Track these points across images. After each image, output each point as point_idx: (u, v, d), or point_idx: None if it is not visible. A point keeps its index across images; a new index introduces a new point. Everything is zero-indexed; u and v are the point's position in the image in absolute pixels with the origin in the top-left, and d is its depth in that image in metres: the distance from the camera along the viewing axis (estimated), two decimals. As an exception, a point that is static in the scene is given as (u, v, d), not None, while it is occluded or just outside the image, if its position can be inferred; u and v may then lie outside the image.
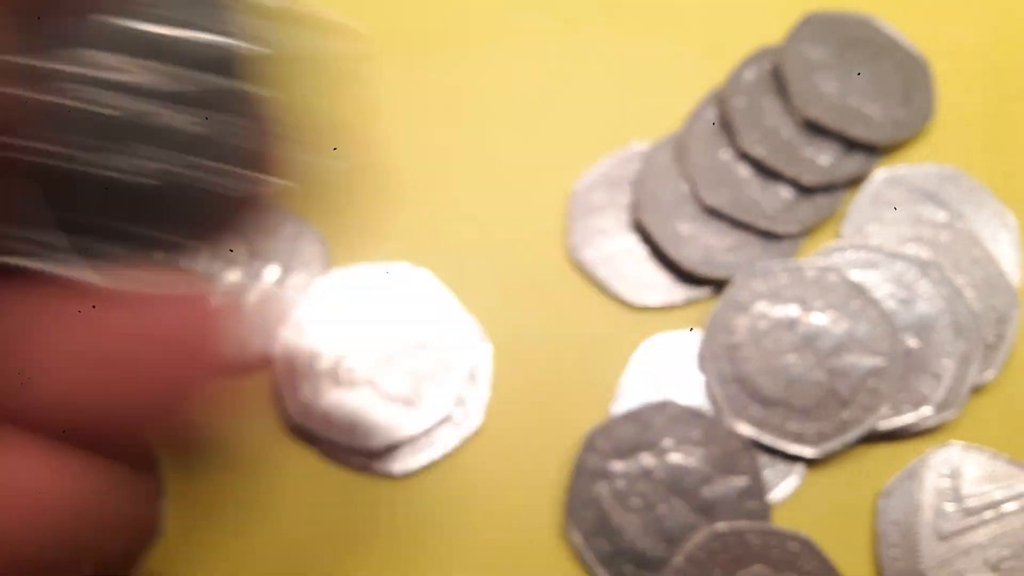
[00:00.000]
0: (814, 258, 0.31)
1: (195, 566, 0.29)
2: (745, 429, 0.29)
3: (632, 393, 0.30)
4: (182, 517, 0.29)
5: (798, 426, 0.29)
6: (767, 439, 0.28)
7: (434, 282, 0.32)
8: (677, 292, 0.32)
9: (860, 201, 0.33)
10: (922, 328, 0.30)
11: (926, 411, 0.29)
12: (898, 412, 0.29)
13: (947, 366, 0.29)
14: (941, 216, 0.32)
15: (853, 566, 0.28)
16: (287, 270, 0.32)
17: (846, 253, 0.31)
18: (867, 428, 0.28)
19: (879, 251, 0.31)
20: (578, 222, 0.33)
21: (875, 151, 0.33)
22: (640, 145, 0.34)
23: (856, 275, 0.30)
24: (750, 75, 0.34)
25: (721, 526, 0.27)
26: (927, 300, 0.30)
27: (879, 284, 0.30)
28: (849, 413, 0.28)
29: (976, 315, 0.30)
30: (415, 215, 0.33)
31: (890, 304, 0.30)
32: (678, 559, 0.27)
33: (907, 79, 0.34)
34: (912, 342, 0.30)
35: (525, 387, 0.31)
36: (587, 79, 0.35)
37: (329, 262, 0.33)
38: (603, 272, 0.32)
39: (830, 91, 0.33)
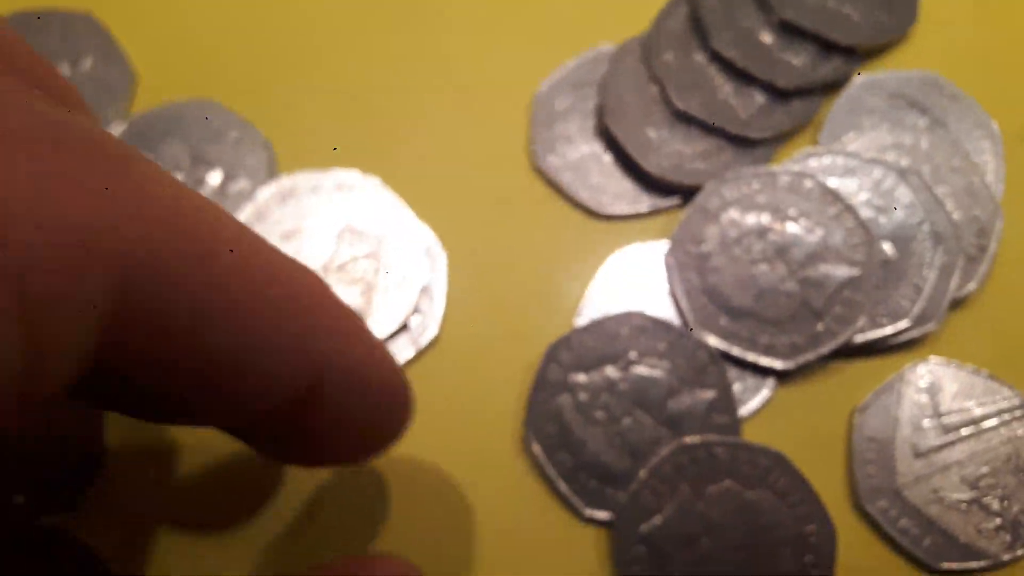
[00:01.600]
0: (788, 164, 0.29)
1: (139, 499, 0.26)
2: (714, 341, 0.26)
3: (597, 306, 0.28)
4: (125, 453, 0.27)
5: (769, 338, 0.27)
6: (736, 352, 0.26)
7: (385, 190, 0.29)
8: (644, 201, 0.30)
9: (838, 107, 0.30)
10: (900, 238, 0.28)
11: (903, 324, 0.27)
12: (875, 325, 0.27)
13: (926, 277, 0.27)
14: (922, 123, 0.30)
15: (826, 483, 0.26)
16: (230, 176, 0.30)
17: (822, 159, 0.29)
18: (842, 341, 0.26)
19: (856, 157, 0.29)
20: (541, 128, 0.30)
21: (854, 55, 0.31)
22: (607, 47, 0.32)
23: (832, 182, 0.28)
24: (723, -27, 0.32)
25: (689, 440, 0.25)
26: (906, 208, 0.28)
27: (856, 191, 0.28)
28: (823, 325, 0.26)
29: (957, 225, 0.28)
30: (366, 120, 0.31)
31: (867, 212, 0.28)
32: (643, 473, 0.25)
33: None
34: (890, 252, 0.27)
35: (485, 299, 0.28)
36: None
37: (274, 168, 0.30)
38: (567, 180, 0.30)
39: (808, -10, 0.31)
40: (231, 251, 0.15)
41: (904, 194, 0.28)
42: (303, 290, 0.17)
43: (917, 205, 0.28)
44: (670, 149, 0.30)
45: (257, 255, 0.16)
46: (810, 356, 0.26)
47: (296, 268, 0.17)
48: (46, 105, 0.13)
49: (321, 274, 0.27)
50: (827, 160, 0.29)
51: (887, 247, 0.28)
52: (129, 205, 0.13)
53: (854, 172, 0.28)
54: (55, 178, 0.12)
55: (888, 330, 0.27)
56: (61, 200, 0.12)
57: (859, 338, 0.27)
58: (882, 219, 0.28)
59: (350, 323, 0.18)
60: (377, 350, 0.19)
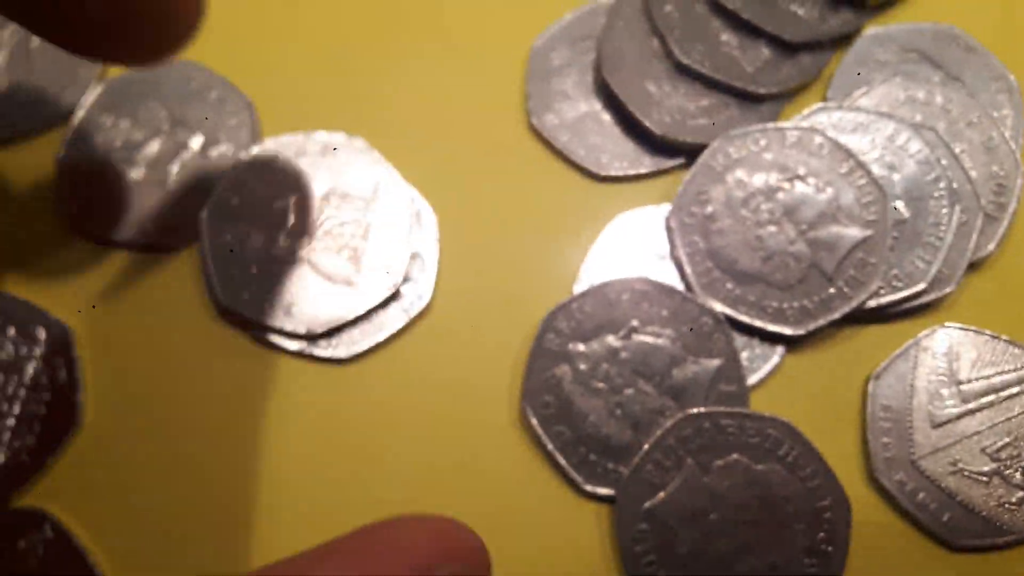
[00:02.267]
0: (796, 120, 0.27)
1: (120, 455, 0.25)
2: (719, 307, 0.25)
3: (597, 272, 0.26)
4: (106, 407, 0.25)
5: (778, 303, 0.25)
6: (743, 318, 0.25)
7: (372, 152, 0.27)
8: (645, 161, 0.28)
9: (847, 61, 0.29)
10: (915, 196, 0.26)
11: (919, 287, 0.25)
12: (889, 288, 0.25)
13: (943, 238, 0.25)
14: (936, 78, 0.28)
15: (839, 455, 0.24)
16: (211, 140, 0.28)
17: (832, 114, 0.27)
18: (855, 305, 0.24)
19: (868, 112, 0.27)
20: (537, 84, 0.29)
21: (864, 7, 0.29)
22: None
23: (843, 138, 0.26)
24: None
25: (694, 410, 0.23)
26: (921, 165, 0.26)
27: (868, 148, 0.26)
28: (834, 289, 0.25)
29: (974, 183, 0.26)
30: (351, 78, 0.29)
31: (880, 170, 0.26)
32: (646, 446, 0.23)
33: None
34: (904, 211, 0.26)
35: (479, 265, 0.27)
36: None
37: (257, 131, 0.28)
38: (564, 140, 0.28)
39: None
40: None
41: (918, 151, 0.26)
42: None
43: (932, 161, 0.26)
44: (671, 104, 0.28)
45: None
46: (821, 322, 0.24)
47: None
48: None
49: (306, 242, 0.25)
50: (837, 115, 0.27)
51: (901, 206, 0.26)
52: None
53: (866, 128, 0.26)
54: None
55: (903, 293, 0.25)
56: None
57: (872, 302, 0.25)
58: (896, 177, 0.26)
59: None
60: None
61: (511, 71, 0.29)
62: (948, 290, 0.25)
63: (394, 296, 0.26)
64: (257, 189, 0.26)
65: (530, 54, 0.29)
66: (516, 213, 0.27)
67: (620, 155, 0.28)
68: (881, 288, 0.25)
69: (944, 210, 0.25)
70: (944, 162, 0.26)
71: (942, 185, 0.26)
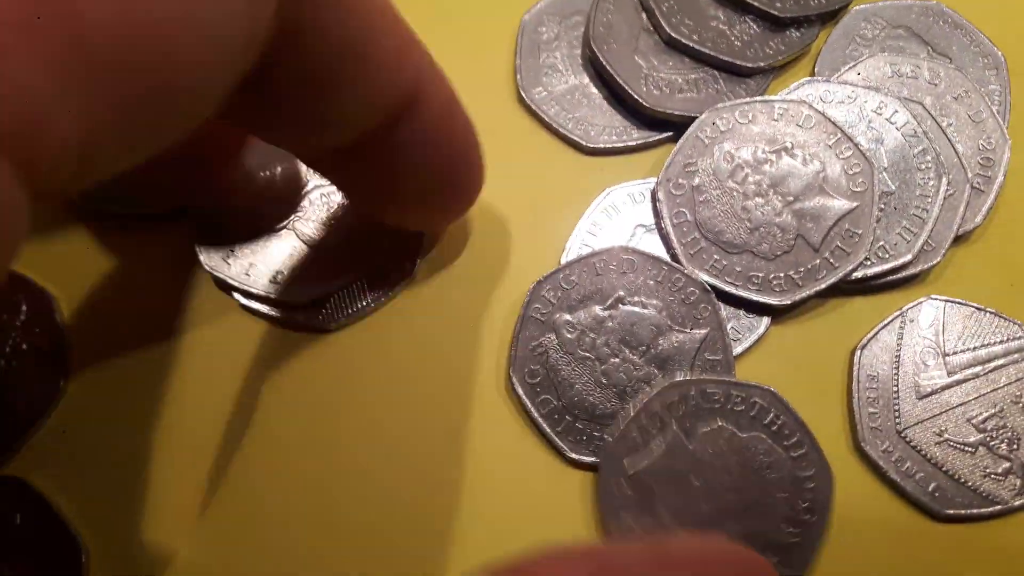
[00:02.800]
0: (784, 93, 0.26)
1: (108, 415, 0.24)
2: (705, 277, 0.24)
3: (584, 243, 0.26)
4: (89, 375, 0.24)
5: (764, 274, 0.24)
6: (729, 288, 0.24)
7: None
8: (633, 134, 0.27)
9: (834, 37, 0.28)
10: (902, 169, 0.25)
11: (905, 258, 0.24)
12: (874, 259, 0.24)
13: (929, 209, 0.25)
14: (923, 53, 0.28)
15: (824, 424, 0.24)
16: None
17: (819, 87, 0.26)
18: (840, 276, 0.24)
19: (855, 85, 0.26)
20: (527, 58, 0.28)
21: (851, -17, 0.28)
22: (595, -26, 0.29)
23: (830, 111, 0.26)
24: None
25: (680, 377, 0.23)
26: (907, 138, 0.26)
27: (855, 120, 0.26)
28: (820, 259, 0.24)
29: (961, 155, 0.25)
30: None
31: (866, 143, 0.26)
32: (631, 410, 0.23)
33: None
34: (891, 183, 0.25)
35: (465, 236, 0.26)
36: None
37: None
38: (553, 112, 0.27)
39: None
40: None
41: (905, 123, 0.26)
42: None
43: (919, 134, 0.25)
44: (659, 78, 0.27)
45: None
46: (807, 292, 0.24)
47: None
48: None
49: (292, 211, 0.25)
50: (824, 88, 0.26)
51: (888, 178, 0.25)
52: None
53: (853, 100, 0.26)
54: None
55: (889, 265, 0.24)
56: None
57: (858, 273, 0.24)
58: (882, 149, 0.25)
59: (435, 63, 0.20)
60: (457, 99, 0.21)
61: (501, 45, 0.28)
62: (934, 262, 0.25)
63: (379, 268, 0.25)
64: (245, 158, 0.26)
65: (520, 28, 0.28)
66: (505, 185, 0.27)
67: (608, 128, 0.27)
68: (867, 259, 0.24)
69: (931, 183, 0.25)
70: (930, 135, 0.25)
71: (929, 158, 0.25)
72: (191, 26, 0.13)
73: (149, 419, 0.24)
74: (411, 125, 0.19)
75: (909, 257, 0.24)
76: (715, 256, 0.24)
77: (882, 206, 0.25)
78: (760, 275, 0.24)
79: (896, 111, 0.26)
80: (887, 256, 0.24)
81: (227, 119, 0.18)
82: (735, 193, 0.25)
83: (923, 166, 0.25)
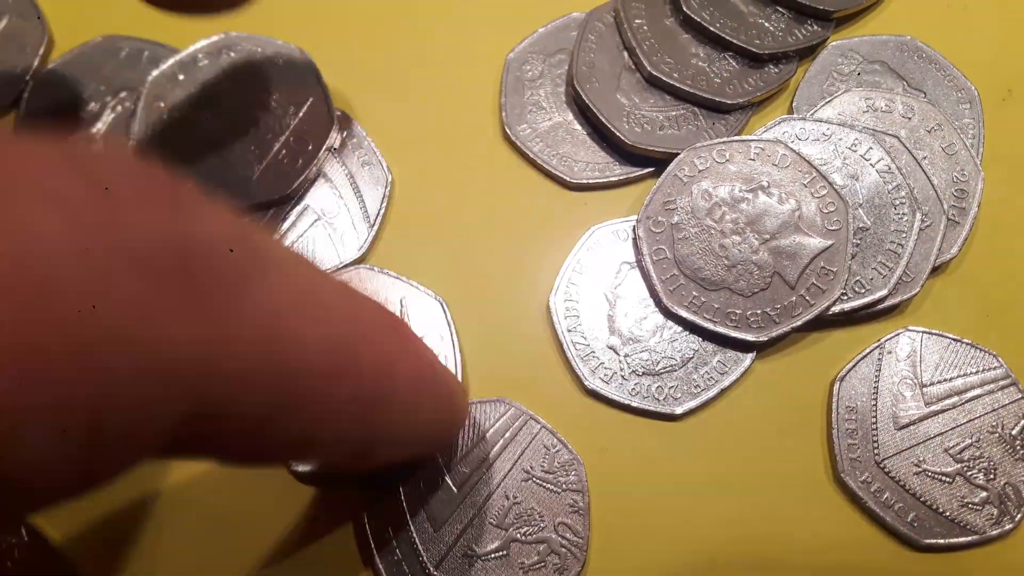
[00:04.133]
0: (760, 132, 0.26)
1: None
2: (684, 313, 0.24)
3: (571, 283, 0.25)
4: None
5: (742, 310, 0.24)
6: (708, 324, 0.24)
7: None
8: (615, 170, 0.27)
9: (811, 74, 0.27)
10: (877, 204, 0.25)
11: (881, 293, 0.24)
12: (851, 294, 0.24)
13: (904, 244, 0.24)
14: (899, 88, 0.27)
15: (806, 455, 0.23)
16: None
17: (795, 124, 0.26)
18: (816, 313, 0.23)
19: (830, 123, 0.26)
20: (512, 96, 0.27)
21: (829, 19, 0.28)
22: (579, 14, 0.28)
23: (805, 149, 0.25)
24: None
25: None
26: (882, 174, 0.25)
27: (830, 158, 0.25)
28: (796, 296, 0.23)
29: (937, 187, 0.25)
30: (331, 86, 0.27)
31: (842, 179, 0.25)
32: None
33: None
34: (867, 218, 0.24)
35: (454, 271, 0.25)
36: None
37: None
38: (538, 149, 0.27)
39: (782, -49, 0.28)
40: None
41: (880, 159, 0.25)
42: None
43: (893, 170, 0.25)
44: (641, 115, 0.27)
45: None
46: (784, 328, 0.23)
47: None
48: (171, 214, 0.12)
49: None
50: (799, 127, 0.26)
51: (863, 213, 0.25)
52: (226, 332, 0.12)
53: (828, 137, 0.25)
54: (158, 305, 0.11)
55: (866, 299, 0.24)
56: (156, 326, 0.11)
57: (836, 308, 0.24)
58: (858, 185, 0.25)
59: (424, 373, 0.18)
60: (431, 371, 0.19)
61: (486, 83, 0.28)
62: (912, 294, 0.24)
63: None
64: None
65: (505, 66, 0.28)
66: (491, 220, 0.26)
67: (592, 164, 0.27)
68: (844, 294, 0.24)
69: (905, 218, 0.24)
70: (905, 170, 0.25)
71: (903, 193, 0.25)
72: None
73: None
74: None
75: (885, 292, 0.24)
76: (694, 293, 0.24)
77: (857, 242, 0.24)
78: (738, 312, 0.24)
79: (870, 148, 0.25)
80: (863, 291, 0.24)
81: None
82: (713, 231, 0.24)
83: (898, 201, 0.24)
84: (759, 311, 0.23)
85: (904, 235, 0.24)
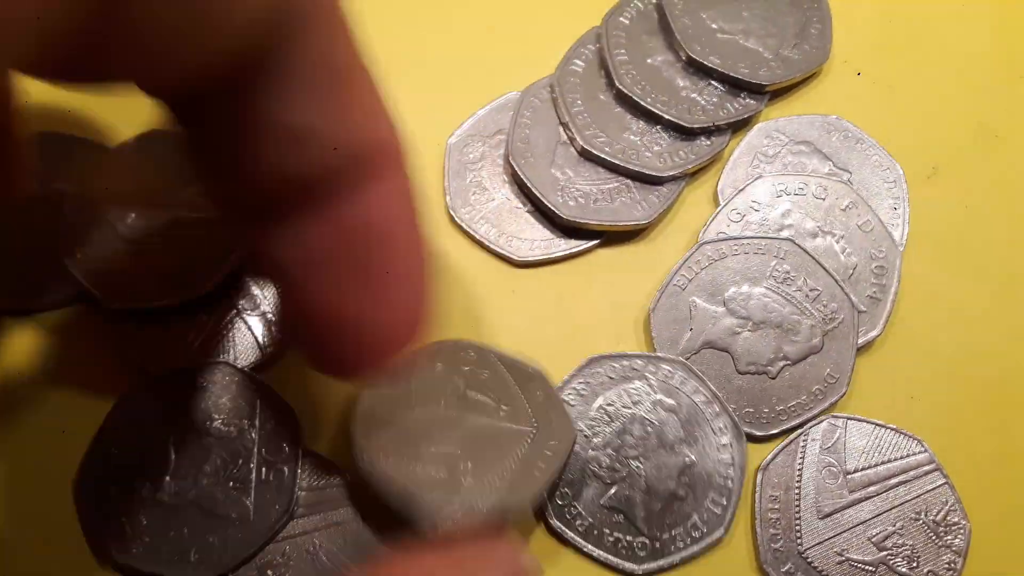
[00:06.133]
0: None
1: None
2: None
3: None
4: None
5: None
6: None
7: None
8: (561, 244, 0.25)
9: (738, 154, 0.26)
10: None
11: (718, 533, 0.22)
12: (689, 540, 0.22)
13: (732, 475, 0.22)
14: (824, 168, 0.25)
15: (728, 542, 0.21)
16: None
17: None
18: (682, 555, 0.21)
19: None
20: (454, 180, 0.26)
21: (763, 93, 0.26)
22: (516, 94, 0.26)
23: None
24: (631, 12, 0.27)
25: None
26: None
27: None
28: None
29: (839, 282, 0.23)
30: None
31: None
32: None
33: (801, 17, 0.27)
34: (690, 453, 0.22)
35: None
36: (461, 28, 0.28)
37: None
38: (483, 230, 0.25)
39: (716, 27, 0.26)
40: None
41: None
42: None
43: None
44: (575, 189, 0.25)
45: None
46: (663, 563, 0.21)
47: None
48: None
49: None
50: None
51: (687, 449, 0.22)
52: None
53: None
54: None
55: (704, 543, 0.22)
56: None
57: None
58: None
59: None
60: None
61: (430, 168, 0.26)
62: (840, 395, 0.22)
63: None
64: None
65: (446, 151, 0.26)
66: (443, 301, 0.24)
67: (537, 241, 0.25)
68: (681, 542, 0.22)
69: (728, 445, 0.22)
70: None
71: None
72: None
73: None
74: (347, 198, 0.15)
75: (722, 532, 0.22)
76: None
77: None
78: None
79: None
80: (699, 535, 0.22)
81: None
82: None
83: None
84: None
85: (730, 466, 0.22)
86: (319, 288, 0.15)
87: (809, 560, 0.21)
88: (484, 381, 0.21)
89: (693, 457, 0.22)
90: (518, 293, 0.25)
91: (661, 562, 0.21)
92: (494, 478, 0.20)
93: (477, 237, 0.25)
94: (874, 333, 0.23)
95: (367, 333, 0.16)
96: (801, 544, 0.21)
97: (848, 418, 0.22)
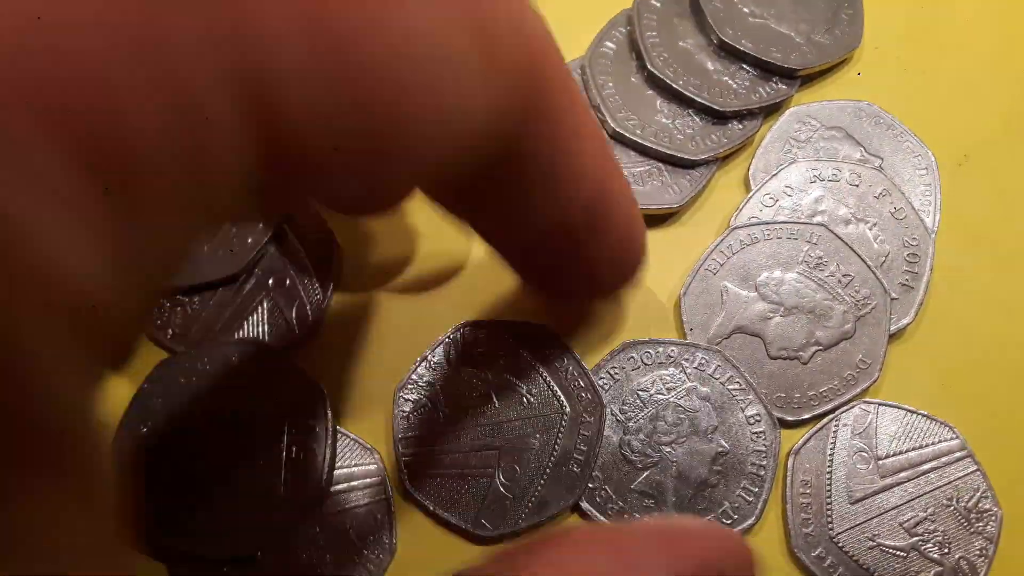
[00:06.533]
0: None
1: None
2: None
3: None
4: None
5: None
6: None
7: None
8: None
9: (769, 139, 0.25)
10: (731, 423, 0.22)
11: (750, 521, 0.21)
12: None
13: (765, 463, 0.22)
14: (856, 154, 0.25)
15: (759, 529, 0.21)
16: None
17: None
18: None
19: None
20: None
21: (794, 77, 0.26)
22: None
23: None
24: (664, -7, 0.26)
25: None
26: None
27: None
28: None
29: (872, 268, 0.23)
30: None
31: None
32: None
33: (833, 2, 0.27)
34: (724, 442, 0.22)
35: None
36: None
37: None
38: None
39: (747, 11, 0.26)
40: None
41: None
42: None
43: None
44: (607, 172, 0.24)
45: None
46: None
47: None
48: None
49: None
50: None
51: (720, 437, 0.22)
52: None
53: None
54: None
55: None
56: None
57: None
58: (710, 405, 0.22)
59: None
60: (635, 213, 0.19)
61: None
62: (871, 381, 0.22)
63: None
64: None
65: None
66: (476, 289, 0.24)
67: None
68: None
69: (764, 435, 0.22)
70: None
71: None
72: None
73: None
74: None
75: (753, 520, 0.21)
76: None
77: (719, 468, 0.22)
78: None
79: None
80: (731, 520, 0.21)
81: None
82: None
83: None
84: None
85: (764, 455, 0.22)
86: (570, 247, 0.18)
87: (840, 545, 0.21)
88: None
89: (727, 445, 0.21)
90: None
91: (691, 546, 0.20)
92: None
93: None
94: (906, 320, 0.23)
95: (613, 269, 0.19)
96: (832, 529, 0.21)
97: (880, 404, 0.22)
